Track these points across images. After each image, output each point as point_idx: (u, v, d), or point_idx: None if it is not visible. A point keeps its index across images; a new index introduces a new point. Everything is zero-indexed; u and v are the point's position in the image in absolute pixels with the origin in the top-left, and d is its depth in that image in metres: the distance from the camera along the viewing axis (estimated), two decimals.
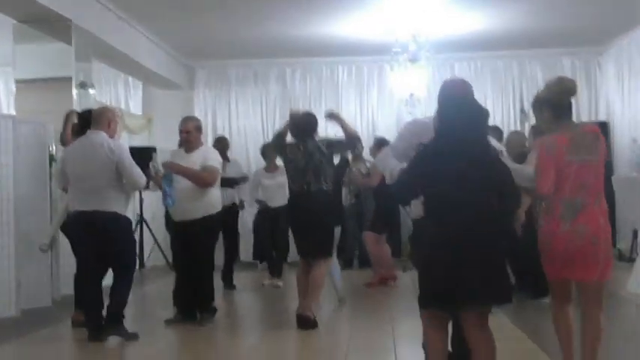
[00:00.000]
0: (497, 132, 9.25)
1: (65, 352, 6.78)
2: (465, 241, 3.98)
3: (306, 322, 6.98)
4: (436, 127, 4.28)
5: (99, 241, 6.66)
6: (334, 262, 8.57)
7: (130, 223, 7.07)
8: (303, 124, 7.38)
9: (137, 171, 6.75)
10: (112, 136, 6.81)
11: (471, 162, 4.06)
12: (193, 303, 7.52)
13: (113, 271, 6.90)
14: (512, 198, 4.25)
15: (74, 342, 6.99)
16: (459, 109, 4.23)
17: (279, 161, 9.65)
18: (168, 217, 8.29)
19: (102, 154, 6.63)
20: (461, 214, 4.01)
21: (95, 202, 6.64)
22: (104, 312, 6.72)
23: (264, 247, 10.68)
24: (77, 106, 9.77)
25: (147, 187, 7.22)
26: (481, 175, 4.05)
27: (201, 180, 7.29)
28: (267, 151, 10.41)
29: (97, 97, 12.28)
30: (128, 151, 6.82)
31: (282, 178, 10.01)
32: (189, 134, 7.47)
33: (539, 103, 4.51)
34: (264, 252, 10.75)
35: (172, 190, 7.19)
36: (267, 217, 10.47)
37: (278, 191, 10.15)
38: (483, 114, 4.28)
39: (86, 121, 7.13)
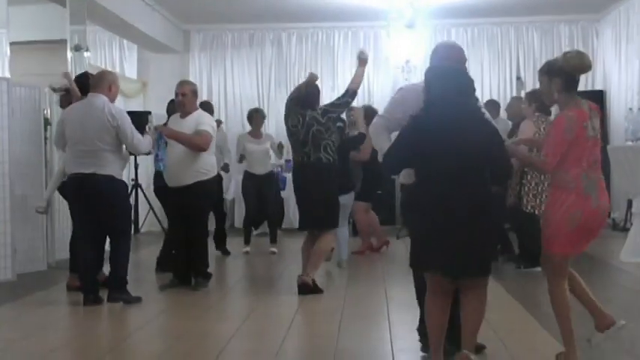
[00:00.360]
0: (495, 105, 9.20)
1: (60, 315, 6.80)
2: (456, 209, 4.04)
3: (304, 288, 7.02)
4: (426, 95, 4.28)
5: (95, 204, 6.67)
6: (344, 228, 8.66)
7: (126, 187, 7.07)
8: (303, 97, 7.33)
9: (138, 136, 6.76)
10: (112, 100, 6.81)
11: (463, 131, 4.10)
12: (188, 268, 7.55)
13: (110, 236, 6.92)
14: (504, 170, 4.28)
15: (69, 305, 7.01)
16: (448, 76, 4.31)
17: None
18: (156, 182, 8.25)
19: (102, 118, 6.61)
20: (453, 184, 4.06)
21: (92, 165, 6.64)
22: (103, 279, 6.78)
23: (249, 214, 10.43)
24: (72, 69, 9.73)
25: (149, 152, 7.20)
26: (474, 144, 4.10)
27: (195, 144, 7.26)
28: (254, 117, 10.30)
29: (92, 60, 12.21)
30: (128, 117, 6.80)
31: (266, 145, 10.00)
32: (185, 97, 7.43)
33: (552, 71, 4.44)
34: (249, 219, 10.45)
35: (164, 154, 7.20)
36: (251, 184, 10.20)
37: (262, 158, 10.08)
38: (472, 82, 4.38)
39: (82, 85, 7.12)
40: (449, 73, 4.35)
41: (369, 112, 9.45)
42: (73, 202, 6.92)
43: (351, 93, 7.32)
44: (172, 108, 8.16)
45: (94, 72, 7.58)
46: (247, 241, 10.16)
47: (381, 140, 4.80)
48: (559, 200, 4.34)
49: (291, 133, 7.33)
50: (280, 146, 10.23)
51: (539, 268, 7.08)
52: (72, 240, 7.39)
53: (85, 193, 6.68)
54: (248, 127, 13.49)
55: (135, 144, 6.76)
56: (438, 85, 4.24)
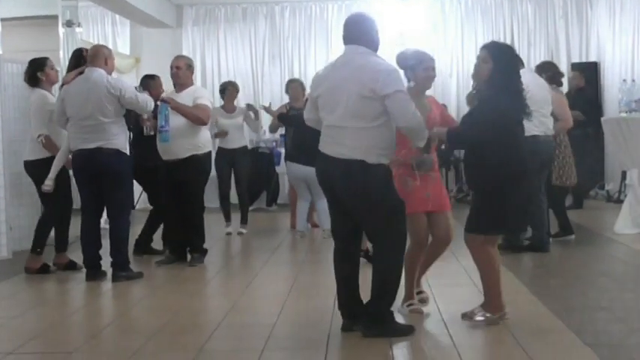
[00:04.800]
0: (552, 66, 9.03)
1: (57, 291, 6.84)
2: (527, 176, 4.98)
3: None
4: (501, 83, 4.88)
5: (99, 179, 6.73)
6: (324, 200, 8.70)
7: (130, 161, 7.06)
8: None
9: (142, 97, 6.86)
10: (109, 73, 6.85)
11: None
12: (184, 244, 7.56)
13: (111, 212, 6.93)
14: None
15: (66, 282, 7.02)
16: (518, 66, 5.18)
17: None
18: (137, 162, 7.84)
19: (103, 90, 6.66)
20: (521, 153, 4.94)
21: (97, 139, 6.69)
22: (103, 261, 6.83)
23: (222, 191, 9.92)
24: (63, 45, 9.67)
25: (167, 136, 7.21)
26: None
27: (197, 118, 7.30)
28: (228, 89, 9.97)
29: (84, 36, 12.15)
30: (126, 82, 6.91)
31: (239, 119, 9.80)
32: (179, 70, 7.44)
33: None
34: (223, 196, 9.94)
35: (168, 126, 7.19)
36: (225, 160, 9.78)
37: (235, 132, 9.77)
38: None
39: (77, 60, 7.14)
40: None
41: None
42: (78, 178, 6.94)
43: None
44: (146, 83, 7.94)
45: (85, 47, 7.56)
46: (228, 219, 9.82)
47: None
48: None
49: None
50: (250, 108, 9.90)
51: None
52: (41, 220, 7.41)
53: (91, 168, 6.73)
54: (243, 102, 13.58)
55: (142, 105, 6.84)
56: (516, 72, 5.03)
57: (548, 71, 7.96)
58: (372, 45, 4.88)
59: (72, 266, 7.29)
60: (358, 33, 4.91)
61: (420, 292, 5.51)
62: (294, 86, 9.76)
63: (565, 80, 10.24)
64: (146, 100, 6.89)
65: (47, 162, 7.15)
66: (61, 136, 7.24)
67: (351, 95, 4.67)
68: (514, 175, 4.88)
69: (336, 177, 4.73)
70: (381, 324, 4.76)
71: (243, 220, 9.80)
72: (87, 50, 7.23)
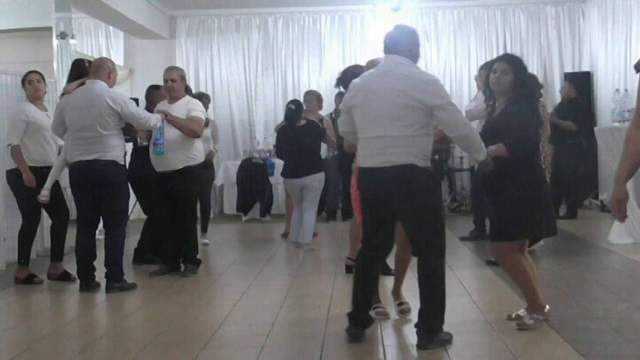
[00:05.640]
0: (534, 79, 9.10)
1: (50, 302, 6.81)
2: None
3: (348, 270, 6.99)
4: (526, 93, 5.10)
5: (96, 190, 6.75)
6: (311, 211, 8.77)
7: (126, 172, 7.06)
8: None
9: (145, 113, 6.91)
10: (111, 86, 6.87)
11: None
12: (177, 255, 7.55)
13: (107, 223, 6.96)
14: None
15: (59, 293, 7.00)
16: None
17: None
18: (134, 170, 7.83)
19: (102, 103, 6.67)
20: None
21: (95, 151, 6.71)
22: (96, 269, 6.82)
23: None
24: (57, 57, 9.67)
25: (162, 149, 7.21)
26: None
27: (191, 130, 7.32)
28: (202, 101, 9.87)
29: (78, 47, 12.16)
30: (129, 98, 6.96)
31: (207, 132, 9.70)
32: (175, 82, 7.45)
33: None
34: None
35: (163, 138, 7.21)
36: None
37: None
38: None
39: (79, 70, 7.18)
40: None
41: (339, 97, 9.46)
42: (76, 189, 6.94)
43: None
44: (151, 94, 8.16)
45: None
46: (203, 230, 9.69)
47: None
48: None
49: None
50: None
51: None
52: (21, 231, 7.44)
53: (88, 179, 6.74)
54: (236, 112, 13.63)
55: (143, 121, 6.88)
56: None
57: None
58: (412, 56, 4.92)
59: (66, 277, 7.28)
60: (399, 44, 4.92)
61: (400, 304, 5.53)
62: (309, 98, 9.78)
63: (557, 91, 10.22)
64: (149, 117, 6.92)
65: (13, 173, 7.26)
66: (42, 148, 7.25)
67: (396, 105, 4.70)
68: (542, 180, 5.22)
69: (385, 185, 4.71)
70: (437, 333, 4.74)
71: (204, 229, 9.67)
72: (89, 61, 7.27)
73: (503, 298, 6.13)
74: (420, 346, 4.69)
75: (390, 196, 4.72)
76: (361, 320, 4.94)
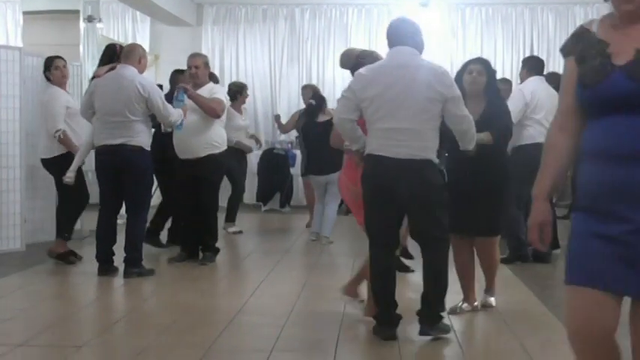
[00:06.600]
0: (508, 83, 9.21)
1: (69, 285, 6.87)
2: None
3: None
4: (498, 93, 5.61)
5: (122, 175, 6.77)
6: (333, 205, 8.80)
7: (151, 159, 7.07)
8: None
9: (168, 107, 6.88)
10: (141, 72, 6.89)
11: None
12: (196, 242, 7.57)
13: (129, 208, 7.00)
14: None
15: (77, 275, 7.05)
16: None
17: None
18: (155, 152, 7.93)
19: (132, 89, 6.70)
20: None
21: (121, 135, 6.73)
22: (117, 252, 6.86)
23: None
24: (83, 40, 9.70)
25: (181, 124, 7.19)
26: None
27: (212, 109, 7.27)
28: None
29: (104, 31, 12.20)
30: (158, 87, 6.98)
31: (241, 121, 9.78)
32: (198, 69, 7.44)
33: None
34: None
35: (180, 105, 7.20)
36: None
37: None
38: None
39: (111, 55, 7.29)
40: None
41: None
42: (100, 173, 6.97)
43: None
44: (176, 78, 8.21)
45: (105, 43, 7.62)
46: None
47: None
48: None
49: None
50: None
51: None
52: (58, 208, 7.78)
53: (113, 163, 6.77)
54: (260, 103, 13.61)
55: (165, 114, 6.86)
56: None
57: (553, 83, 7.86)
58: (419, 47, 4.90)
59: (64, 257, 7.34)
60: (405, 36, 4.88)
61: (362, 301, 5.52)
62: (306, 92, 9.87)
63: None
64: (171, 112, 6.89)
65: (64, 158, 7.27)
66: (76, 133, 7.37)
67: (417, 96, 4.69)
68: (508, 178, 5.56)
69: (403, 178, 4.68)
70: (439, 321, 4.88)
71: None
72: (121, 47, 7.30)
73: (518, 297, 6.11)
74: (422, 333, 4.83)
75: (403, 189, 4.69)
76: (390, 319, 4.90)
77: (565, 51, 2.73)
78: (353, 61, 5.39)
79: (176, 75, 8.35)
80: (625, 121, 2.49)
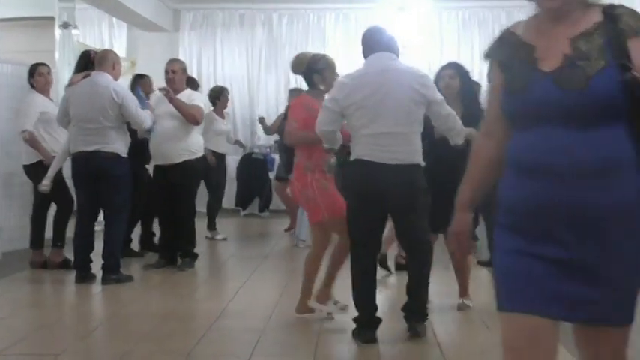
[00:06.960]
0: (478, 87, 9.26)
1: (47, 293, 6.83)
2: None
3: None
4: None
5: (97, 182, 6.74)
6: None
7: (129, 165, 7.03)
8: None
9: (142, 113, 6.86)
10: (116, 78, 6.89)
11: None
12: (174, 248, 7.54)
13: (107, 215, 6.96)
14: None
15: (56, 283, 7.01)
16: None
17: None
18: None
19: (107, 95, 6.69)
20: None
21: (97, 142, 6.71)
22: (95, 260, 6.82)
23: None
24: (59, 47, 9.65)
25: (151, 129, 7.17)
26: None
27: (191, 115, 7.25)
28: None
29: (80, 38, 12.14)
30: (131, 93, 6.97)
31: (223, 126, 9.80)
32: (175, 74, 7.42)
33: None
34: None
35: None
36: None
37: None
38: None
39: (85, 62, 7.25)
40: None
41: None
42: (77, 180, 6.94)
43: None
44: (136, 82, 8.07)
45: (81, 50, 7.59)
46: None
47: None
48: None
49: None
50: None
51: None
52: (33, 216, 7.64)
53: (89, 170, 6.74)
54: (237, 107, 13.58)
55: (139, 121, 6.85)
56: None
57: None
58: (396, 52, 4.97)
59: (66, 265, 7.28)
60: (381, 42, 4.95)
61: (337, 302, 5.52)
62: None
63: None
64: (145, 117, 6.89)
65: (43, 165, 7.25)
66: (55, 140, 7.31)
67: (401, 100, 4.73)
68: None
69: (392, 183, 4.69)
70: (425, 321, 4.98)
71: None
72: (95, 53, 7.27)
73: None
74: (414, 333, 4.89)
75: (391, 194, 4.71)
76: (371, 321, 4.91)
77: (489, 56, 2.49)
78: (305, 65, 5.43)
79: (136, 79, 8.29)
80: (552, 132, 2.26)
